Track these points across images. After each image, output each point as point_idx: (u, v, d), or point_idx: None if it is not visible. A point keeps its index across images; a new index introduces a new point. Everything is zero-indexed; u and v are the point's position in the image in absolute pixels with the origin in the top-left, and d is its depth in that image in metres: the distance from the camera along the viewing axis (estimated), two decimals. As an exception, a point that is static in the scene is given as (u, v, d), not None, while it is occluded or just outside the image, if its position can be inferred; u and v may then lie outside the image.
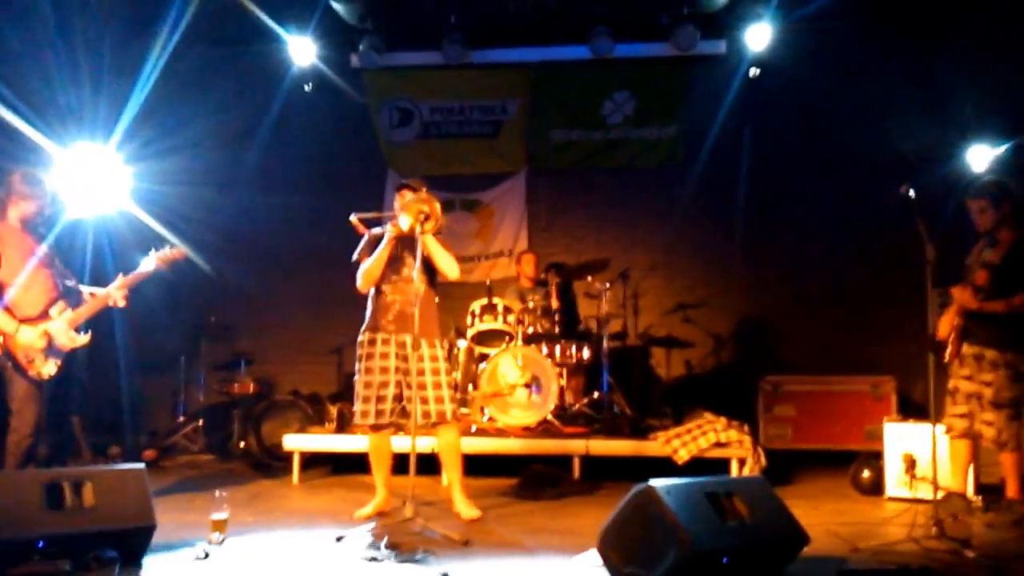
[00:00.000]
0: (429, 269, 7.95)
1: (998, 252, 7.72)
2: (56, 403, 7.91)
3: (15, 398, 7.65)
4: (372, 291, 8.04)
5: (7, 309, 7.64)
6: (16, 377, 7.64)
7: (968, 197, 7.88)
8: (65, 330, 7.80)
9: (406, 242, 7.73)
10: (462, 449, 8.13)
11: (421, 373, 7.73)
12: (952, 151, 11.17)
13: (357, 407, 7.92)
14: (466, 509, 7.92)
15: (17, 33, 10.32)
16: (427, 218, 7.54)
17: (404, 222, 7.57)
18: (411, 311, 7.53)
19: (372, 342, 7.92)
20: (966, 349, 7.87)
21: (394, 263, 7.90)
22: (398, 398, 7.87)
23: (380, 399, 7.81)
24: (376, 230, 8.06)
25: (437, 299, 8.24)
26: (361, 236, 8.00)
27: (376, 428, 7.96)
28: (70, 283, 8.11)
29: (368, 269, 7.86)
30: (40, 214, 7.95)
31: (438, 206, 7.69)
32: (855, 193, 11.52)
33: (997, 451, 7.91)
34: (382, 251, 7.80)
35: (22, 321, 7.63)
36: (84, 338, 7.94)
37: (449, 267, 7.93)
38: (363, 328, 8.02)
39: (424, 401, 7.72)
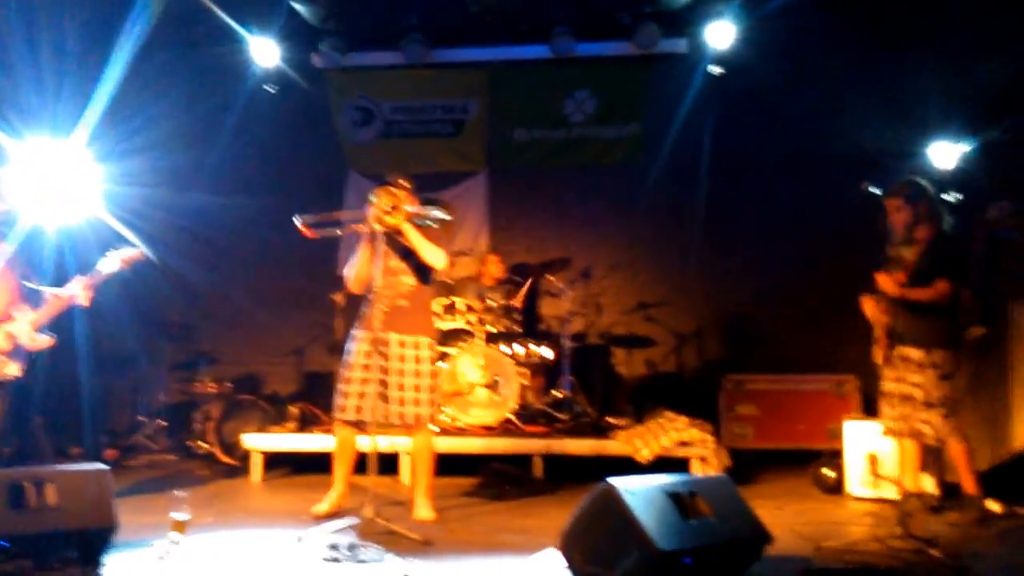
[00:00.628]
0: (419, 266, 7.95)
1: (915, 250, 7.81)
2: (19, 404, 7.87)
3: None
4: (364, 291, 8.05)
5: None
6: None
7: (884, 197, 7.92)
8: (28, 331, 7.78)
9: (388, 237, 7.73)
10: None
11: (401, 374, 7.76)
12: (914, 148, 11.22)
13: (336, 400, 7.94)
14: (422, 510, 7.95)
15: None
16: (393, 209, 7.56)
17: (370, 216, 7.58)
18: (398, 305, 7.62)
19: (361, 339, 7.92)
20: (897, 350, 7.93)
21: (384, 259, 7.86)
22: (381, 397, 7.78)
23: (361, 395, 7.79)
24: (343, 229, 8.06)
25: (431, 294, 8.33)
26: (310, 239, 7.97)
27: (348, 424, 7.95)
28: (32, 284, 8.08)
29: (356, 271, 7.89)
30: (5, 214, 7.93)
31: (404, 196, 7.71)
32: (817, 191, 11.56)
33: (942, 449, 8.00)
34: (362, 251, 7.82)
35: None
36: (46, 339, 7.91)
37: (435, 257, 7.87)
38: (355, 323, 8.08)
39: (401, 403, 7.75)
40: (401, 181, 7.90)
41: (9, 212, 7.97)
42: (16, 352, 7.72)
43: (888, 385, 8.04)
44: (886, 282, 7.73)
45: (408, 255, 7.77)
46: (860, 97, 11.84)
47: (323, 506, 7.97)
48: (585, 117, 13.19)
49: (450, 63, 13.22)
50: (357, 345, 7.93)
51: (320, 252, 7.97)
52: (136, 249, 8.24)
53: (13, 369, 7.70)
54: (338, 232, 8.14)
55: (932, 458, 8.43)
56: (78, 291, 7.95)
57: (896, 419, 7.99)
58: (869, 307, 7.96)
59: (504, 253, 12.19)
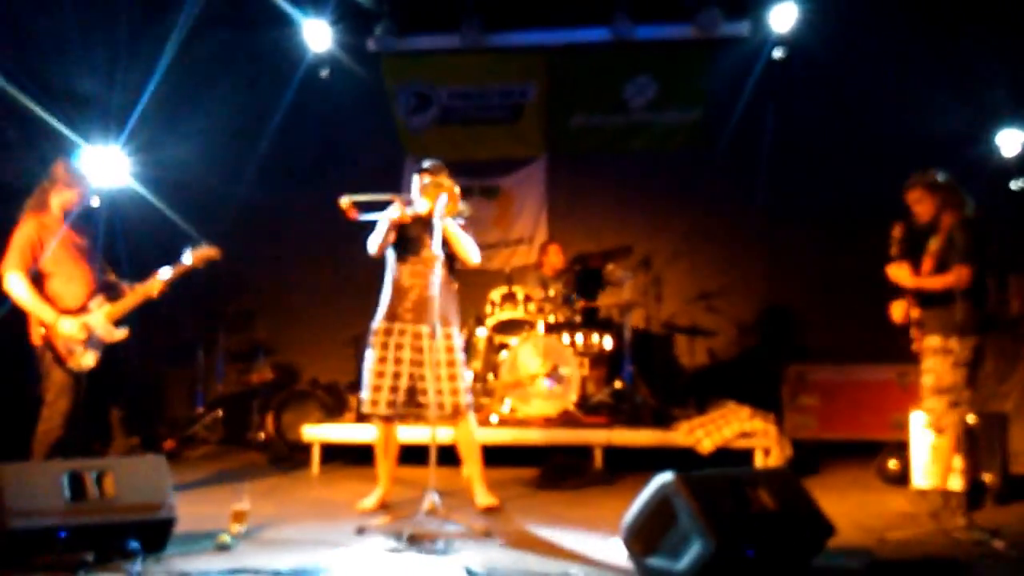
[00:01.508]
0: (448, 255, 7.90)
1: (939, 238, 7.75)
2: (94, 395, 8.03)
3: (51, 388, 7.80)
4: (389, 276, 8.05)
5: (48, 300, 7.79)
6: (54, 368, 7.79)
7: (904, 189, 7.92)
8: (104, 323, 7.98)
9: (425, 225, 7.72)
10: (481, 440, 8.18)
11: (437, 364, 7.69)
12: (981, 134, 11.17)
13: (367, 396, 7.91)
14: (483, 497, 7.99)
15: (40, 21, 10.39)
16: (447, 202, 7.57)
17: (422, 205, 7.64)
18: (430, 296, 7.51)
19: (388, 331, 7.90)
20: (925, 341, 7.90)
21: (413, 247, 7.90)
22: (411, 391, 7.83)
23: (393, 389, 7.80)
24: (382, 213, 8.02)
25: (457, 286, 8.24)
26: (352, 221, 8.02)
27: (386, 419, 8.01)
28: (110, 277, 8.30)
29: (379, 235, 7.89)
30: (81, 203, 8.14)
31: (457, 190, 7.75)
32: (881, 176, 11.45)
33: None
34: (389, 219, 7.84)
35: (62, 313, 7.78)
36: (122, 332, 8.12)
37: (470, 253, 7.96)
38: (379, 315, 8.03)
39: (439, 393, 7.69)
40: (444, 171, 7.98)
41: (83, 202, 8.19)
42: (92, 343, 7.90)
43: (921, 377, 8.02)
44: (898, 274, 7.75)
45: (440, 246, 7.71)
46: (926, 81, 11.72)
47: (369, 501, 8.02)
48: (646, 102, 13.19)
49: (508, 47, 13.24)
50: (389, 338, 7.91)
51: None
52: (212, 248, 8.39)
53: (89, 360, 7.88)
54: (382, 217, 8.05)
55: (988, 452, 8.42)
56: (157, 286, 8.17)
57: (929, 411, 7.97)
58: (898, 312, 7.98)
59: (563, 241, 12.24)
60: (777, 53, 12.32)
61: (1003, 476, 8.58)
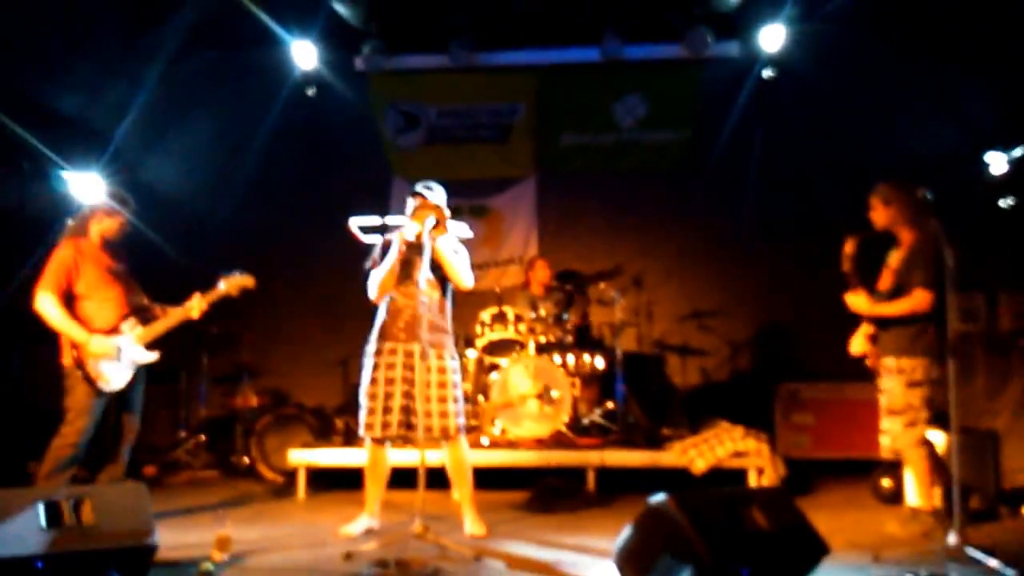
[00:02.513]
0: (442, 276, 7.88)
1: (899, 254, 7.77)
2: (118, 415, 8.19)
3: (73, 407, 7.84)
4: (384, 298, 7.99)
5: (80, 321, 7.85)
6: (80, 386, 7.82)
7: (870, 194, 7.93)
8: (135, 345, 8.06)
9: (418, 248, 7.58)
10: (472, 462, 8.10)
11: (427, 385, 7.61)
12: (968, 155, 11.17)
13: (362, 418, 7.84)
14: (472, 526, 7.90)
15: (24, 40, 10.33)
16: (436, 224, 7.50)
17: (411, 230, 7.57)
18: (421, 317, 7.43)
19: (379, 351, 7.84)
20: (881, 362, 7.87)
21: (406, 269, 7.80)
22: (404, 410, 7.74)
23: (386, 410, 7.72)
24: (386, 236, 7.99)
25: (450, 307, 8.17)
26: (360, 242, 7.97)
27: (379, 441, 7.90)
28: (142, 301, 8.36)
29: (381, 279, 7.78)
30: (121, 232, 8.28)
31: (447, 213, 7.67)
32: (870, 196, 11.52)
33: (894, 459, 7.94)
34: (391, 262, 7.73)
35: (93, 333, 7.83)
36: (153, 355, 8.22)
37: (463, 276, 7.91)
38: (372, 336, 7.97)
39: (428, 415, 7.60)
40: (437, 189, 7.92)
41: (124, 230, 8.33)
42: (121, 364, 7.97)
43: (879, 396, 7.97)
44: (855, 302, 7.78)
45: (433, 269, 7.65)
46: (913, 103, 11.83)
47: (353, 527, 7.93)
48: (635, 122, 13.21)
49: (497, 66, 13.23)
50: (380, 358, 7.85)
51: (363, 260, 7.93)
52: (247, 276, 8.57)
53: (119, 381, 7.96)
54: (383, 239, 8.01)
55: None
56: (193, 310, 8.29)
57: (881, 433, 7.90)
58: (856, 346, 8.07)
59: (553, 260, 12.16)
60: (766, 73, 12.38)
61: (996, 493, 8.57)
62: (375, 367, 7.83)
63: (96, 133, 11.36)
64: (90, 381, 7.78)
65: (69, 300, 7.88)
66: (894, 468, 9.00)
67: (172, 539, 7.08)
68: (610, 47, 12.25)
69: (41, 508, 5.81)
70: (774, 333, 12.59)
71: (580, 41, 12.65)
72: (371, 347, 7.94)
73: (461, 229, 7.96)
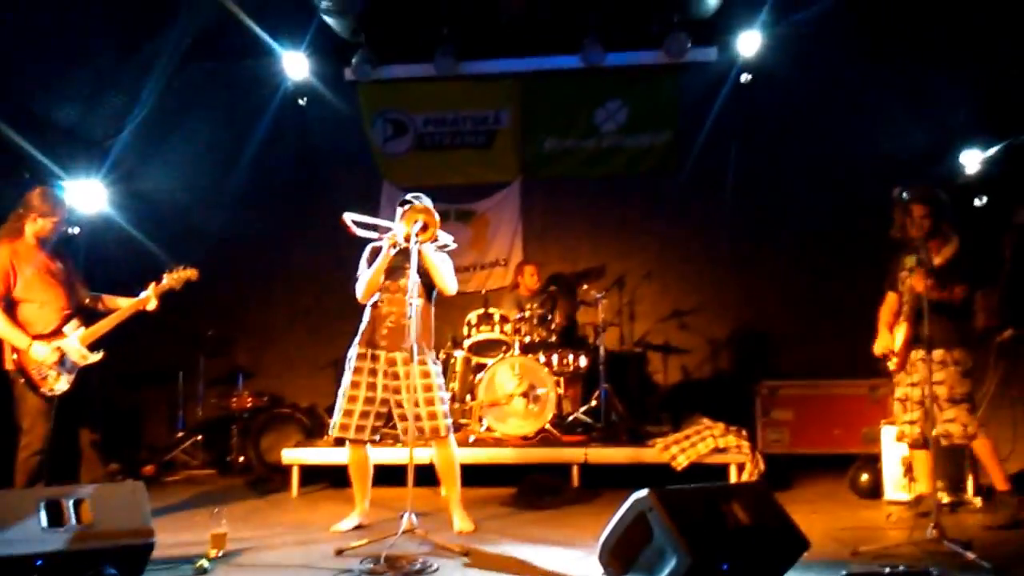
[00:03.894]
0: (427, 282, 7.85)
1: (943, 256, 7.81)
2: (69, 420, 7.95)
3: (26, 415, 7.73)
4: (369, 301, 7.97)
5: (20, 326, 7.71)
6: (28, 394, 7.71)
7: (911, 201, 7.82)
8: (78, 347, 7.88)
9: (406, 254, 7.56)
10: (460, 460, 8.08)
11: (413, 390, 7.56)
12: (942, 154, 11.19)
13: (336, 419, 7.83)
14: (460, 522, 7.88)
15: (21, 51, 10.30)
16: (424, 228, 7.48)
17: (400, 232, 7.54)
18: (406, 324, 7.39)
19: (363, 356, 7.82)
20: (913, 355, 7.93)
21: (392, 274, 7.79)
22: (382, 416, 7.80)
23: (363, 415, 7.73)
24: (375, 242, 7.97)
25: (434, 311, 8.15)
26: (351, 236, 7.92)
27: (354, 443, 7.89)
28: (86, 300, 8.23)
29: (368, 281, 7.76)
30: (56, 231, 8.07)
31: (437, 219, 7.64)
32: (848, 196, 11.52)
33: (969, 446, 7.99)
34: (380, 263, 7.71)
35: (35, 338, 7.70)
36: (96, 355, 8.01)
37: (447, 282, 7.89)
38: (356, 340, 7.94)
39: (417, 418, 7.59)
40: (424, 199, 7.89)
41: (58, 230, 8.12)
42: (66, 367, 7.80)
43: (907, 391, 8.06)
44: (924, 284, 7.68)
45: (420, 274, 7.64)
46: (888, 104, 11.80)
47: (345, 524, 7.93)
48: (617, 126, 13.18)
49: (481, 75, 13.25)
50: (363, 363, 7.83)
51: (355, 263, 7.91)
52: (190, 269, 8.36)
53: (63, 384, 7.79)
54: (375, 236, 7.97)
55: (970, 461, 8.41)
56: (133, 308, 8.16)
57: (911, 423, 8.02)
58: (882, 345, 8.20)
59: (538, 263, 12.19)
60: (744, 77, 12.38)
61: (974, 488, 8.60)
62: (358, 372, 7.81)
63: (94, 143, 11.34)
64: (34, 387, 7.68)
65: (8, 305, 7.75)
66: (872, 463, 9.04)
67: (169, 537, 7.04)
68: (591, 54, 12.22)
69: (42, 508, 5.79)
70: (753, 332, 12.58)
71: (562, 49, 12.64)
72: (353, 351, 7.91)
73: (445, 238, 7.92)
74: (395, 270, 7.79)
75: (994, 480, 7.87)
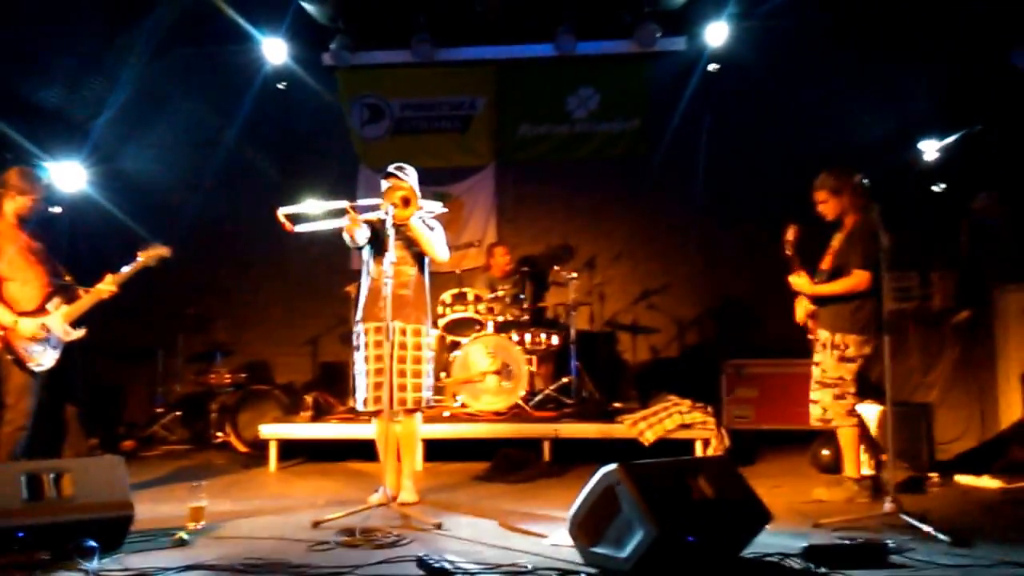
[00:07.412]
0: (418, 252, 7.89)
1: (841, 236, 7.89)
2: (53, 394, 7.95)
3: (11, 391, 7.69)
4: (363, 278, 7.97)
5: (4, 303, 7.67)
6: (14, 370, 7.68)
7: (812, 190, 7.99)
8: (61, 324, 7.86)
9: (396, 228, 7.57)
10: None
11: (404, 360, 7.64)
12: (904, 141, 11.20)
13: (359, 395, 7.81)
14: (407, 493, 7.81)
15: (3, 34, 10.22)
16: (407, 203, 7.51)
17: (383, 209, 7.50)
18: (400, 294, 7.52)
19: (366, 331, 7.79)
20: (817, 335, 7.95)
21: (383, 247, 7.69)
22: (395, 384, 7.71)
23: (377, 386, 7.65)
24: (319, 224, 7.94)
25: (427, 284, 8.13)
26: (288, 233, 7.88)
27: (377, 415, 7.82)
28: (64, 279, 8.16)
29: (347, 228, 7.72)
30: (34, 210, 7.99)
31: (418, 190, 7.70)
32: (810, 183, 11.53)
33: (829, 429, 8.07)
34: (346, 233, 7.74)
35: (19, 315, 7.67)
36: (79, 332, 8.01)
37: (438, 251, 7.89)
38: (357, 316, 7.93)
39: (402, 388, 7.62)
40: (409, 170, 7.87)
41: (38, 208, 8.03)
42: (51, 344, 7.80)
43: (812, 368, 8.05)
44: (798, 283, 7.94)
45: (409, 245, 7.70)
46: (852, 93, 11.88)
47: (378, 496, 7.64)
48: (588, 113, 13.23)
49: (457, 61, 13.29)
50: (367, 337, 7.79)
51: (334, 244, 7.88)
52: (163, 247, 8.30)
53: (49, 360, 7.79)
54: (322, 227, 7.94)
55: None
56: (110, 287, 8.06)
57: (812, 403, 7.99)
58: (800, 312, 8.17)
59: (511, 244, 12.28)
60: (712, 66, 12.42)
61: (929, 464, 8.67)
62: (364, 346, 7.79)
63: (76, 126, 11.28)
64: (21, 363, 7.65)
65: None
66: (832, 439, 9.02)
67: (148, 510, 7.05)
68: (564, 43, 12.25)
69: (23, 481, 5.75)
70: (720, 312, 12.62)
71: (536, 38, 12.69)
72: (357, 328, 7.91)
73: (434, 206, 7.91)
74: (384, 244, 7.69)
75: (846, 466, 7.82)
